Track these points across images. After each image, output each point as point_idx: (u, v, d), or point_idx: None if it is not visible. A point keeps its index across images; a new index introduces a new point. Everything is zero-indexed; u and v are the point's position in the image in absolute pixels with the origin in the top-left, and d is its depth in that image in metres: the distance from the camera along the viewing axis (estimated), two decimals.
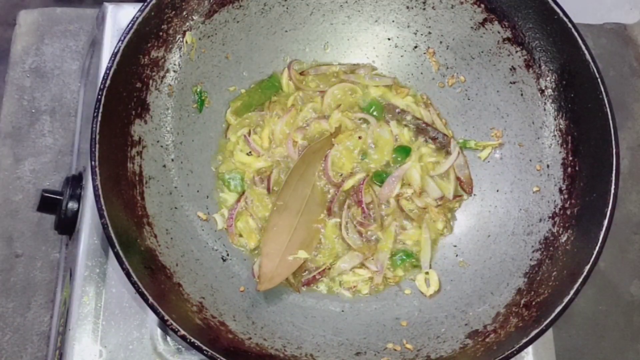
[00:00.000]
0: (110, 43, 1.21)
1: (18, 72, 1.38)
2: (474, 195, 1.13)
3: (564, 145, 1.04)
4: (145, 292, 0.88)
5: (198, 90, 1.10)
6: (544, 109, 1.06)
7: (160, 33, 1.02)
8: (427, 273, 1.09)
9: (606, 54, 1.46)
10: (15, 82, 1.38)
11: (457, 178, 1.13)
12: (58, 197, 1.13)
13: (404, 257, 1.09)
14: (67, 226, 1.13)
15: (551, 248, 1.01)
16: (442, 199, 1.13)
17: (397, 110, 1.16)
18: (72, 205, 1.12)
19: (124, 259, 0.89)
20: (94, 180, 0.90)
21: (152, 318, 1.06)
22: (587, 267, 0.93)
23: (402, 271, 1.10)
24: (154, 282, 0.93)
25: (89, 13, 1.42)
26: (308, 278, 1.07)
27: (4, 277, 1.27)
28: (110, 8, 1.26)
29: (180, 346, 1.05)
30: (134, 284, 0.88)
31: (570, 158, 1.03)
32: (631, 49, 1.48)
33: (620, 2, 1.51)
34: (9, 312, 1.25)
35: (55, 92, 1.38)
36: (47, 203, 1.13)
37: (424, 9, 1.14)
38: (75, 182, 1.14)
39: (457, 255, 1.10)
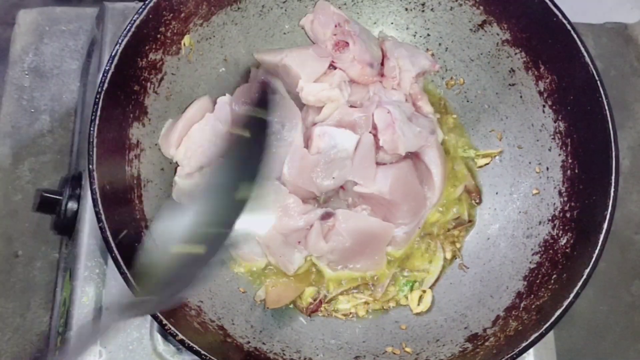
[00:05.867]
0: (109, 43, 1.21)
1: (17, 72, 1.38)
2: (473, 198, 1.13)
3: (564, 148, 1.03)
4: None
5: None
6: (543, 111, 1.06)
7: (158, 35, 1.01)
8: (424, 291, 1.08)
9: (607, 54, 1.45)
10: (14, 81, 1.37)
11: (465, 187, 1.13)
12: (57, 197, 1.12)
13: (409, 285, 1.09)
14: (66, 226, 1.13)
15: (551, 251, 1.01)
16: (458, 219, 1.12)
17: None
18: (71, 205, 1.12)
19: (121, 264, 0.88)
20: (91, 183, 0.90)
21: (152, 319, 1.06)
22: (587, 270, 0.93)
23: (402, 295, 1.09)
24: None
25: (89, 12, 1.41)
26: (315, 305, 1.07)
27: (4, 278, 1.26)
28: (109, 7, 1.25)
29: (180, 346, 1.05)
30: (131, 288, 0.88)
31: (570, 160, 1.03)
32: (632, 48, 1.47)
33: (621, 1, 1.51)
34: (8, 313, 1.25)
35: (55, 91, 1.37)
36: (46, 203, 1.12)
37: (423, 11, 1.14)
38: (74, 182, 1.14)
39: (456, 258, 1.10)
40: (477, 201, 1.13)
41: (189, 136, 1.03)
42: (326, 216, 1.03)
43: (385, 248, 1.08)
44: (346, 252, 1.05)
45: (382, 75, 1.11)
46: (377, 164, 1.06)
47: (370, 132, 1.05)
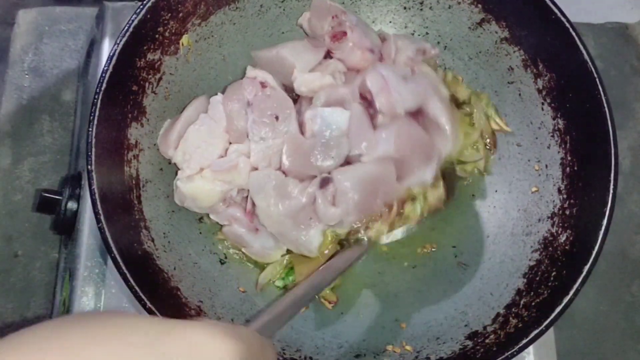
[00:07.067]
0: (109, 43, 1.21)
1: (17, 72, 1.38)
2: (472, 195, 1.13)
3: (563, 145, 1.03)
4: (143, 297, 0.88)
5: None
6: (542, 109, 1.06)
7: (157, 35, 1.01)
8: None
9: (607, 54, 1.45)
10: (14, 81, 1.37)
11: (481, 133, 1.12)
12: (57, 197, 1.13)
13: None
14: (66, 226, 1.13)
15: (550, 248, 1.01)
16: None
17: None
18: (71, 205, 1.12)
19: (121, 264, 0.89)
20: (90, 184, 0.90)
21: None
22: (587, 267, 0.93)
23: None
24: (152, 286, 0.93)
25: (88, 12, 1.41)
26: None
27: (3, 278, 1.26)
28: (109, 7, 1.26)
29: None
30: (131, 288, 0.88)
31: (569, 158, 1.03)
32: (632, 48, 1.47)
33: (621, 1, 1.51)
34: (8, 313, 1.25)
35: (54, 91, 1.38)
36: (46, 203, 1.13)
37: (421, 9, 1.14)
38: (74, 182, 1.14)
39: (455, 256, 1.09)
40: (492, 150, 1.12)
41: (186, 138, 1.02)
42: (324, 183, 1.01)
43: (395, 184, 1.05)
44: (359, 206, 1.03)
45: (380, 58, 1.10)
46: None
47: (359, 103, 1.04)
